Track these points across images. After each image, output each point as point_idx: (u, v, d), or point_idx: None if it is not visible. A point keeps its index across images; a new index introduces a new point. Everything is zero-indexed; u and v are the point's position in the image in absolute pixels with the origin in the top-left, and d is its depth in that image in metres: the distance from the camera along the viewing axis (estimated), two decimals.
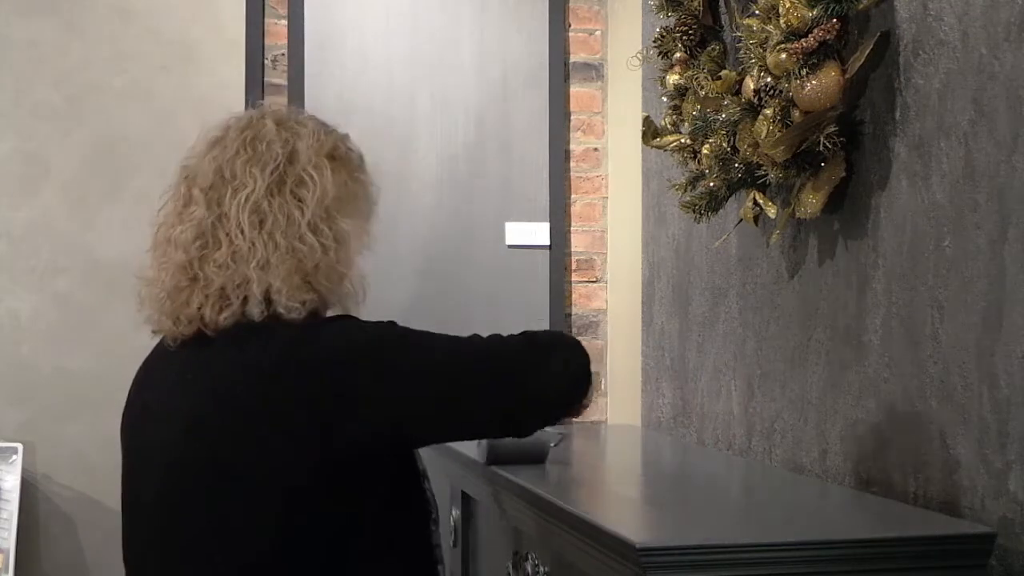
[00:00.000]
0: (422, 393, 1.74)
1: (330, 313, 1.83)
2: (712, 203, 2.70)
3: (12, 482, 3.78)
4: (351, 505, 1.73)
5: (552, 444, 2.54)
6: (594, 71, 4.38)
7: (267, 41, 4.17)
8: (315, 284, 1.77)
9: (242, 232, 1.75)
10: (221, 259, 1.75)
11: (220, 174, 1.79)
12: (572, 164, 4.35)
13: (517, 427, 1.87)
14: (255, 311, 1.73)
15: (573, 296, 4.34)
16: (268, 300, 1.74)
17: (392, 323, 1.79)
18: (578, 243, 4.35)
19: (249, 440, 1.69)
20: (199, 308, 1.76)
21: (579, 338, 4.37)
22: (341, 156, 1.85)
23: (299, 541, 1.70)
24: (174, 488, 1.75)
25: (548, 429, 2.26)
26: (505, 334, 1.86)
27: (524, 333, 1.87)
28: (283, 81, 4.16)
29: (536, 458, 2.49)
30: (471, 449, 2.78)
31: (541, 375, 1.82)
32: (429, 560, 1.87)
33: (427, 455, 3.15)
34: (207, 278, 1.76)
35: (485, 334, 1.84)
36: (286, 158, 1.78)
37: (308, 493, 1.69)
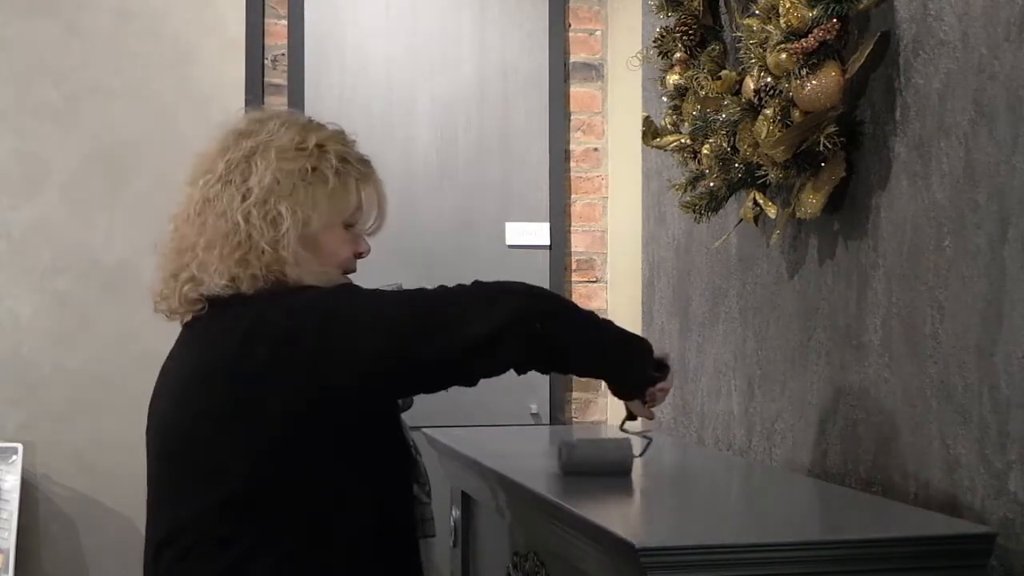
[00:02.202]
0: (361, 344, 1.83)
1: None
2: (712, 203, 2.70)
3: (12, 482, 3.78)
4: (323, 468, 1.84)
5: (637, 453, 2.30)
6: (594, 71, 4.38)
7: (267, 41, 4.17)
8: (254, 263, 1.86)
9: (188, 217, 1.90)
10: (173, 244, 1.91)
11: (200, 167, 1.94)
12: (572, 164, 4.36)
13: (459, 373, 1.91)
14: (207, 291, 1.86)
15: (573, 296, 4.34)
16: (219, 280, 1.86)
17: (341, 287, 1.91)
18: (578, 243, 4.35)
19: (226, 405, 1.82)
20: (171, 292, 1.90)
21: None
22: (298, 148, 1.91)
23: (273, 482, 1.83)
24: (165, 445, 1.91)
25: (632, 437, 2.22)
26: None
27: (474, 282, 1.95)
28: (283, 81, 4.16)
29: (617, 468, 2.29)
30: (472, 449, 2.78)
31: (477, 316, 1.87)
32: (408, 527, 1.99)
33: (428, 455, 3.16)
34: (164, 264, 1.92)
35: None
36: (246, 150, 1.90)
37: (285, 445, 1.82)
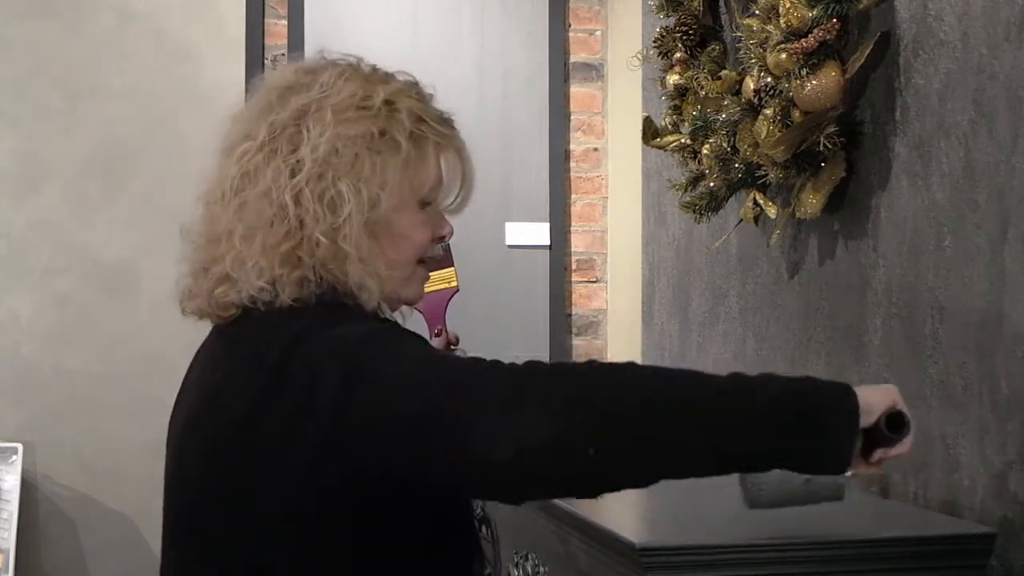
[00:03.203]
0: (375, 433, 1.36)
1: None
2: (712, 203, 2.70)
3: (12, 482, 3.78)
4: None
5: (841, 480, 1.71)
6: (594, 71, 4.38)
7: (267, 41, 4.17)
8: (305, 261, 1.45)
9: (222, 196, 1.47)
10: (203, 230, 1.49)
11: (236, 132, 1.52)
12: (572, 164, 4.35)
13: (483, 493, 1.45)
14: (243, 296, 1.45)
15: (573, 296, 4.34)
16: (256, 281, 1.44)
17: (370, 342, 1.41)
18: (578, 243, 4.35)
19: (224, 470, 1.43)
20: (200, 291, 1.49)
21: (579, 338, 4.39)
22: (360, 106, 1.48)
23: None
24: (171, 496, 1.54)
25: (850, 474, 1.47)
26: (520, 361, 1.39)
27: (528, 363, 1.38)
28: None
29: (820, 497, 1.75)
30: None
31: (494, 430, 1.31)
32: None
33: None
34: (193, 255, 1.50)
35: (488, 343, 1.50)
36: (294, 110, 1.48)
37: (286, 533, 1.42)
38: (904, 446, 1.40)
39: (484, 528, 1.63)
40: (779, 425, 1.34)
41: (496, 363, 1.37)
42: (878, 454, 1.39)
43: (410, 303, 1.57)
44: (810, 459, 1.37)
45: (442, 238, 1.56)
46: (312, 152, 1.44)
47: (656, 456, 1.34)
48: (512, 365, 1.36)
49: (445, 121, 1.56)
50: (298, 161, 1.44)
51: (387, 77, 1.54)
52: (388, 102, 1.49)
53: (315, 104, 1.47)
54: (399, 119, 1.49)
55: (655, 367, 1.43)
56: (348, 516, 1.40)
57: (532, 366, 1.36)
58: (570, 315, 4.33)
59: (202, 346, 1.57)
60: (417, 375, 1.36)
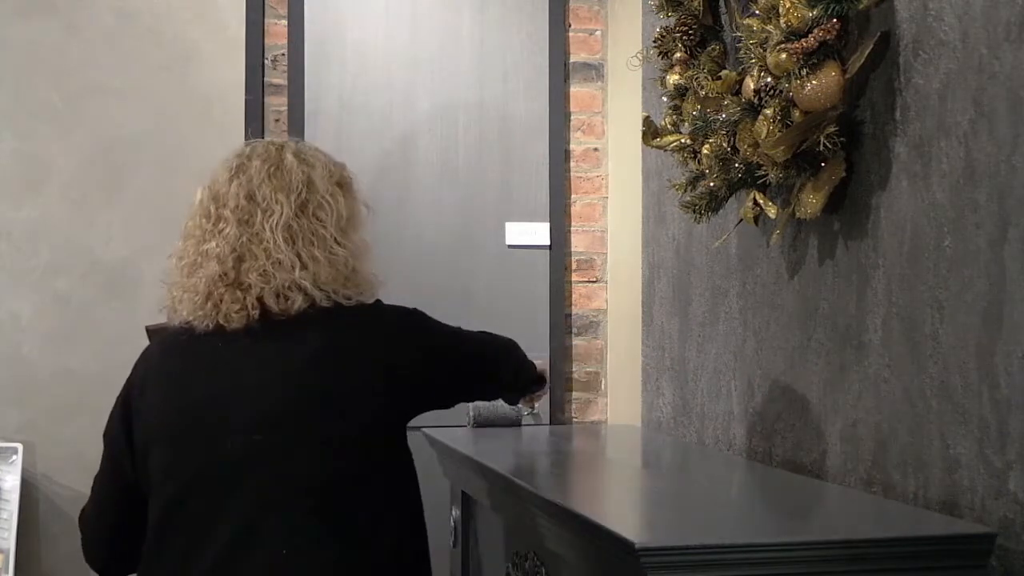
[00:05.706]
0: (456, 361, 2.27)
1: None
2: (712, 203, 2.70)
3: (12, 482, 3.78)
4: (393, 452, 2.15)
5: (525, 413, 3.31)
6: (594, 71, 4.38)
7: (267, 41, 4.17)
8: (353, 283, 2.15)
9: (279, 247, 2.10)
10: (261, 268, 2.08)
11: (250, 198, 2.12)
12: (572, 164, 4.36)
13: (503, 395, 2.57)
14: (321, 301, 2.10)
15: (573, 296, 4.34)
16: (324, 293, 2.11)
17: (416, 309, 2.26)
18: (578, 243, 4.35)
19: (347, 384, 2.07)
20: (252, 308, 2.08)
21: (579, 338, 4.40)
22: (346, 183, 2.23)
23: (362, 470, 2.08)
24: (275, 431, 2.06)
25: (521, 406, 2.92)
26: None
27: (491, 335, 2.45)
28: (283, 81, 4.16)
29: (512, 423, 3.33)
30: (472, 449, 2.78)
31: (522, 361, 2.49)
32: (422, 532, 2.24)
33: (428, 454, 3.16)
34: (250, 284, 2.08)
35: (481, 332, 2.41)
36: (306, 186, 2.15)
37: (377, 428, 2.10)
38: (544, 393, 2.71)
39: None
40: (532, 369, 2.55)
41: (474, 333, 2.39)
42: (532, 397, 2.69)
43: None
44: (526, 387, 2.56)
45: None
46: (339, 219, 2.17)
47: (530, 380, 2.54)
48: (488, 335, 2.43)
49: None
50: (327, 223, 2.15)
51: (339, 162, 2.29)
52: (352, 179, 2.27)
53: (326, 186, 2.18)
54: (357, 188, 2.27)
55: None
56: (400, 439, 2.16)
57: (494, 335, 2.45)
58: (570, 315, 4.33)
59: (229, 341, 2.11)
60: (462, 336, 2.30)
